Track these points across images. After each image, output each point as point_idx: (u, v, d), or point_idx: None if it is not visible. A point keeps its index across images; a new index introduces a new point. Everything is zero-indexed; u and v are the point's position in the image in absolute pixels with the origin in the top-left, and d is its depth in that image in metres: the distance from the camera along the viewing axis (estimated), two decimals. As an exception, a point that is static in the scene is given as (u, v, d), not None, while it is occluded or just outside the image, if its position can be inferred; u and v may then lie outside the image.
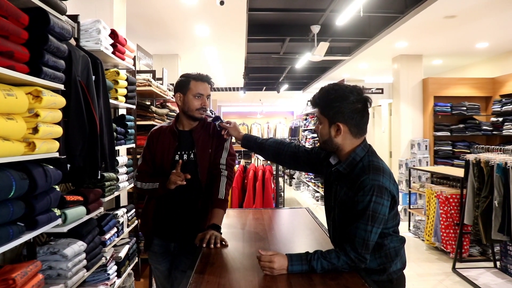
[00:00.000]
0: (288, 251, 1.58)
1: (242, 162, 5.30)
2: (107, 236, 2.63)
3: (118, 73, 2.97)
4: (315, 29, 6.30)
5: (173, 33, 6.07)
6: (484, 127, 7.01)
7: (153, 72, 4.64)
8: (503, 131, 6.65)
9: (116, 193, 2.89)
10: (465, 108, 7.07)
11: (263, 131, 19.38)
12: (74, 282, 2.11)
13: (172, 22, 5.52)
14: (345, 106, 1.59)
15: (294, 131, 13.06)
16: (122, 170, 3.09)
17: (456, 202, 4.72)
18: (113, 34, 2.91)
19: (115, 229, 2.80)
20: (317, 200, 8.97)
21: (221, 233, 1.96)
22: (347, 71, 9.43)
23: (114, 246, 2.92)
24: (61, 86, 1.90)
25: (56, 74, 1.83)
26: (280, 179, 6.31)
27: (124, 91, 3.11)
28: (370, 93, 7.47)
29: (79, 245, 2.18)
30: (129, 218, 3.22)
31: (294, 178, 11.45)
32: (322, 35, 6.49)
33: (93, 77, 2.34)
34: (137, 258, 3.41)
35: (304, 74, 11.15)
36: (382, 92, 7.86)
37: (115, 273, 2.77)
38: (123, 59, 3.10)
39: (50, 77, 1.77)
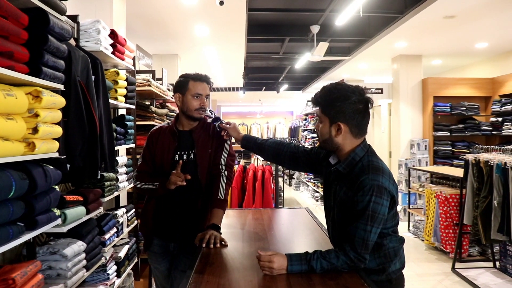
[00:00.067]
0: (288, 251, 1.58)
1: (242, 162, 5.30)
2: (106, 236, 2.63)
3: (117, 73, 2.97)
4: (315, 29, 6.30)
5: (173, 33, 6.07)
6: (484, 127, 7.02)
7: (152, 72, 4.64)
8: (503, 131, 6.65)
9: (115, 193, 2.89)
10: (464, 108, 7.08)
11: (262, 131, 19.38)
12: (73, 282, 2.11)
13: (172, 22, 5.52)
14: (346, 106, 1.59)
15: (293, 131, 13.06)
16: (122, 170, 3.09)
17: (456, 202, 4.72)
18: (113, 34, 2.91)
19: (114, 229, 2.80)
20: (317, 200, 8.97)
21: (220, 233, 1.97)
22: (347, 71, 9.43)
23: (114, 246, 2.92)
24: (61, 86, 1.90)
25: (56, 74, 1.83)
26: (280, 179, 6.32)
27: (124, 91, 3.11)
28: (369, 93, 7.47)
29: (79, 245, 2.19)
30: (129, 218, 3.22)
31: (293, 178, 11.45)
32: (321, 35, 6.50)
33: (93, 77, 2.34)
34: (136, 258, 3.42)
35: (304, 74, 11.15)
36: (381, 92, 7.87)
37: (115, 273, 2.77)
38: (123, 59, 3.10)
39: (50, 77, 1.77)
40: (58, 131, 1.84)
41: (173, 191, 2.04)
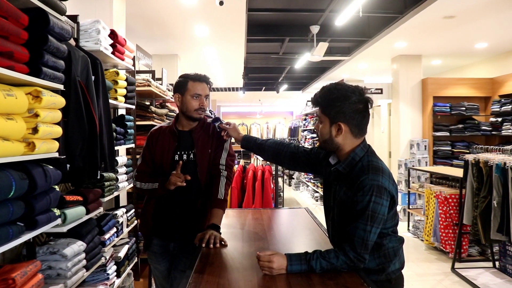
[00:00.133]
0: (287, 251, 1.58)
1: (242, 162, 5.31)
2: (106, 236, 2.63)
3: (117, 73, 2.97)
4: (315, 29, 6.30)
5: (173, 33, 6.07)
6: (483, 127, 7.02)
7: (152, 72, 4.64)
8: (502, 131, 6.65)
9: (115, 193, 2.89)
10: (464, 108, 7.08)
11: (262, 131, 19.39)
12: (73, 282, 2.11)
13: (172, 22, 5.52)
14: (347, 106, 1.59)
15: (293, 131, 13.07)
16: (122, 170, 3.09)
17: (455, 202, 4.73)
18: (113, 34, 2.91)
19: (114, 229, 2.80)
20: (316, 200, 8.97)
21: (220, 233, 1.97)
22: (347, 71, 9.44)
23: (114, 246, 2.93)
24: (61, 86, 1.90)
25: (56, 74, 1.83)
26: (280, 179, 6.32)
27: (124, 91, 3.11)
28: (369, 93, 7.47)
29: (79, 245, 2.19)
30: (129, 218, 3.22)
31: (293, 178, 11.45)
32: (321, 35, 6.50)
33: (93, 77, 2.34)
34: (136, 258, 3.42)
35: (304, 74, 11.15)
36: (381, 92, 7.88)
37: (115, 273, 2.78)
38: (123, 59, 3.10)
39: (49, 77, 1.77)
40: (58, 131, 1.84)
41: (173, 191, 2.04)
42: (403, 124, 7.39)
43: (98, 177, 2.39)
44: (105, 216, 2.71)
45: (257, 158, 5.55)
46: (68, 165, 2.07)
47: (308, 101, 10.70)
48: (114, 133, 2.84)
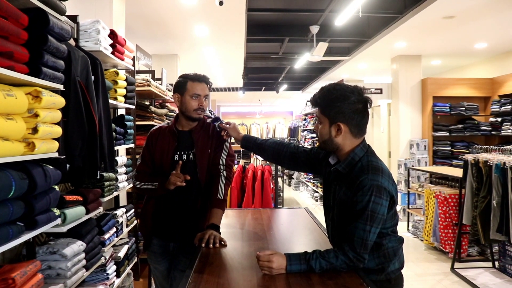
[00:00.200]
0: (287, 251, 1.59)
1: (241, 162, 5.31)
2: (106, 236, 2.63)
3: (117, 73, 2.97)
4: (314, 29, 6.30)
5: (172, 33, 6.07)
6: (483, 127, 7.03)
7: (152, 72, 4.64)
8: (502, 131, 6.66)
9: (115, 193, 2.89)
10: (464, 108, 7.09)
11: (262, 131, 19.39)
12: (73, 281, 2.11)
13: (171, 22, 5.52)
14: (346, 106, 1.59)
15: (293, 131, 13.08)
16: (121, 170, 3.09)
17: (455, 202, 4.73)
18: (112, 35, 2.91)
19: (114, 229, 2.80)
20: (316, 200, 8.98)
21: (220, 233, 1.97)
22: (346, 72, 9.44)
23: (113, 246, 2.93)
24: (61, 87, 1.90)
25: (56, 75, 1.83)
26: (279, 179, 6.32)
27: (123, 91, 3.11)
28: (369, 93, 7.41)
29: (79, 245, 2.19)
30: (128, 218, 3.22)
31: (293, 178, 11.46)
32: (321, 35, 6.50)
33: (93, 77, 2.34)
34: (136, 258, 3.42)
35: (303, 75, 11.15)
36: (381, 92, 7.88)
37: (114, 273, 2.78)
38: (122, 59, 3.10)
39: (49, 78, 1.77)
40: (58, 131, 1.84)
41: (173, 191, 2.04)
42: (403, 124, 7.39)
43: (98, 177, 2.40)
44: (104, 216, 2.71)
45: (256, 158, 5.55)
46: (68, 165, 2.07)
47: (307, 101, 10.69)
48: (114, 133, 2.84)
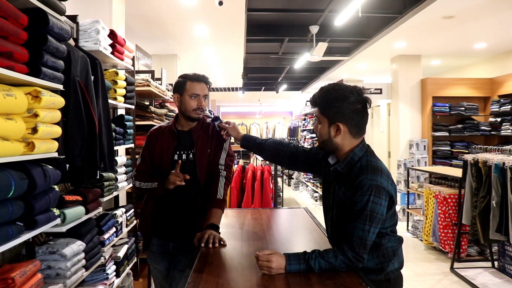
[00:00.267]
0: (286, 251, 1.59)
1: (241, 162, 5.31)
2: (106, 236, 2.63)
3: (117, 73, 2.97)
4: (314, 29, 6.31)
5: (172, 33, 6.07)
6: (483, 128, 7.03)
7: (152, 72, 4.64)
8: (501, 132, 6.66)
9: (115, 193, 2.89)
10: (463, 108, 7.09)
11: (262, 131, 19.39)
12: (73, 281, 2.11)
13: (171, 22, 5.52)
14: (345, 107, 1.60)
15: (293, 131, 13.08)
16: (121, 170, 3.09)
17: (454, 202, 4.73)
18: (112, 35, 2.91)
19: (114, 229, 2.81)
20: (316, 200, 8.98)
21: (219, 233, 1.97)
22: (346, 72, 9.45)
23: (113, 246, 2.93)
24: (60, 87, 1.90)
25: (55, 75, 1.83)
26: (279, 179, 6.32)
27: (123, 91, 3.11)
28: (368, 93, 7.46)
29: (78, 245, 2.19)
30: (128, 218, 3.22)
31: (293, 178, 11.45)
32: (320, 35, 6.50)
33: (92, 77, 2.34)
34: (136, 257, 3.42)
35: (303, 75, 11.16)
36: (380, 93, 7.88)
37: (114, 273, 2.78)
38: (122, 59, 3.10)
39: (49, 78, 1.77)
40: (58, 131, 1.84)
41: (172, 191, 2.04)
42: (403, 124, 7.39)
43: (98, 177, 2.40)
44: (104, 216, 2.71)
45: (256, 158, 5.55)
46: (67, 165, 2.08)
47: (307, 101, 10.69)
48: (114, 133, 2.84)
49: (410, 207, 6.21)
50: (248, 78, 10.95)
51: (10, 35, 1.49)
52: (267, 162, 5.14)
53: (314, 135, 9.48)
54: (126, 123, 3.24)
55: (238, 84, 12.42)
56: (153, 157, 2.20)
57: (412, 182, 6.26)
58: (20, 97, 1.55)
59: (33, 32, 1.63)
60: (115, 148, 2.88)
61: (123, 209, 3.14)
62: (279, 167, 5.46)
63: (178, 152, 2.16)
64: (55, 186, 1.86)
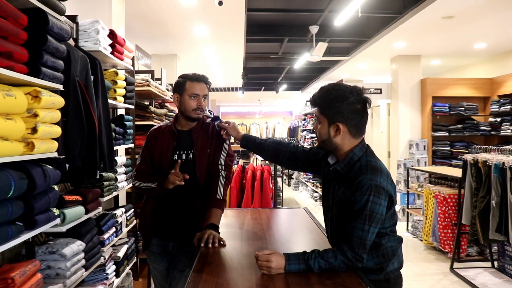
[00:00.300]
0: (286, 251, 1.59)
1: (241, 162, 5.31)
2: (105, 236, 2.63)
3: (116, 73, 2.97)
4: (314, 29, 6.31)
5: (172, 33, 6.07)
6: (482, 128, 7.04)
7: (151, 72, 4.64)
8: (501, 132, 6.66)
9: (114, 193, 2.89)
10: (463, 108, 7.09)
11: (261, 131, 19.40)
12: (72, 281, 2.11)
13: (171, 22, 5.52)
14: (345, 107, 1.60)
15: (292, 131, 13.08)
16: (121, 170, 3.09)
17: (454, 202, 4.74)
18: (112, 35, 2.91)
19: (113, 229, 2.81)
20: (316, 200, 8.98)
21: (219, 233, 1.97)
22: (346, 72, 9.45)
23: (113, 246, 2.93)
24: (60, 87, 1.90)
25: (55, 75, 1.83)
26: (279, 179, 6.32)
27: (123, 91, 3.11)
28: (368, 93, 7.47)
29: (78, 245, 2.19)
30: (128, 218, 3.22)
31: (292, 178, 11.46)
32: (320, 35, 6.51)
33: (92, 77, 2.34)
34: (135, 257, 3.42)
35: (303, 75, 11.16)
36: (380, 93, 7.88)
37: (114, 273, 2.78)
38: (122, 59, 3.10)
39: (49, 78, 1.77)
40: (57, 131, 1.84)
41: (172, 191, 2.05)
42: (402, 124, 7.40)
43: (97, 177, 2.40)
44: (104, 216, 2.71)
45: (256, 158, 5.55)
46: (67, 165, 2.07)
47: (307, 101, 10.69)
48: (113, 133, 2.84)
49: (410, 207, 6.21)
50: (248, 78, 10.95)
51: (10, 35, 1.49)
52: (267, 162, 5.14)
53: (314, 135, 9.48)
54: (126, 123, 3.24)
55: (238, 84, 12.42)
56: (153, 157, 2.20)
57: (412, 182, 6.26)
58: (20, 97, 1.55)
59: (33, 32, 1.63)
60: (115, 148, 2.89)
61: (123, 209, 3.14)
62: (279, 167, 5.46)
63: (178, 152, 2.16)
64: (55, 186, 1.86)
